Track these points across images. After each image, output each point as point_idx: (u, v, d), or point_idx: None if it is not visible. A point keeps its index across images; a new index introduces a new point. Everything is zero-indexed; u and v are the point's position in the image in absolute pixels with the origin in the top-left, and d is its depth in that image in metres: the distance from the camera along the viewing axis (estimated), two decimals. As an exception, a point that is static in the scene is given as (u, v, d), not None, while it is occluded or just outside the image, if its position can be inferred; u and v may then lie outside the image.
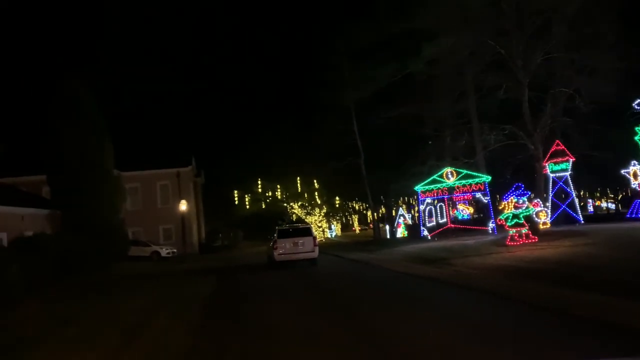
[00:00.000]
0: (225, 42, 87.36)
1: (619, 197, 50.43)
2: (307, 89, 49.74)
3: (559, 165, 27.14)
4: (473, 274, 14.81)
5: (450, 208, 26.66)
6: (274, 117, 65.10)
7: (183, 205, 30.06)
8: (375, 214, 41.16)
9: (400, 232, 39.31)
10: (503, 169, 26.69)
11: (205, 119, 77.70)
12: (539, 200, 23.61)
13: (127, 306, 12.58)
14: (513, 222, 18.15)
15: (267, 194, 46.96)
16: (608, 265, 12.93)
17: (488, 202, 25.03)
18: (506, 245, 18.36)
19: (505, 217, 18.15)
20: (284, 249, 20.14)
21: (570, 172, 26.80)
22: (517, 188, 18.05)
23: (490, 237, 24.14)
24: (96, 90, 28.67)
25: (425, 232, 27.04)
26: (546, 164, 27.22)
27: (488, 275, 14.19)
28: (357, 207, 63.26)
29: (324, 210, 50.32)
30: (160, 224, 43.44)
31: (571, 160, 26.68)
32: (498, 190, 25.63)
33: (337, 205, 50.70)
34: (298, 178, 45.92)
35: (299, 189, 46.18)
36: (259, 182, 46.42)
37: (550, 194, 27.71)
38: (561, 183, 27.33)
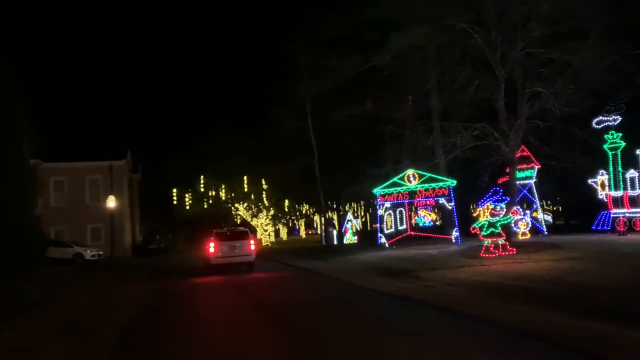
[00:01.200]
0: (174, 27, 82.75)
1: (558, 209, 50.29)
2: (260, 81, 46.44)
3: (523, 172, 25.62)
4: (450, 291, 12.51)
5: (411, 214, 24.51)
6: (222, 112, 61.32)
7: (111, 202, 26.35)
8: (324, 218, 38.54)
9: (348, 238, 37.67)
10: (473, 172, 24.79)
11: (145, 111, 72.91)
12: (518, 207, 21.82)
13: (3, 339, 9.12)
14: (489, 232, 16.07)
15: (210, 194, 43.33)
16: (613, 286, 10.92)
17: (452, 208, 23.05)
18: (479, 257, 16.22)
19: (480, 225, 16.03)
20: (221, 252, 19.48)
21: (535, 179, 25.32)
22: (495, 193, 16.01)
23: (454, 247, 22.16)
24: (24, 74, 25.10)
25: (383, 239, 24.76)
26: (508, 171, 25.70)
27: (468, 294, 11.92)
28: (304, 211, 60.45)
29: (271, 213, 47.26)
30: (89, 223, 39.07)
31: (536, 167, 25.20)
32: (464, 195, 23.76)
33: (286, 208, 47.68)
34: (245, 177, 42.64)
35: (246, 189, 42.89)
36: (202, 180, 42.72)
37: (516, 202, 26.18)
38: (525, 191, 25.84)
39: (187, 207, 42.47)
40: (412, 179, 23.96)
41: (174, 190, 41.90)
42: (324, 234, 37.87)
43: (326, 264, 22.07)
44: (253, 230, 68.69)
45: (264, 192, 42.30)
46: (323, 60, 30.06)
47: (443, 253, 20.72)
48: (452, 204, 23.03)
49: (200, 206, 43.50)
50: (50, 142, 41.87)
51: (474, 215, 16.86)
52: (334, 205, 48.79)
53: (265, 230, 47.83)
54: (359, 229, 40.87)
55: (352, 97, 31.56)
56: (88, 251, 31.42)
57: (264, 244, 46.92)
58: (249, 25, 71.34)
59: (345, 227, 39.85)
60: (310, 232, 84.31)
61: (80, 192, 39.39)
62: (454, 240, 23.00)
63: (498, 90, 20.70)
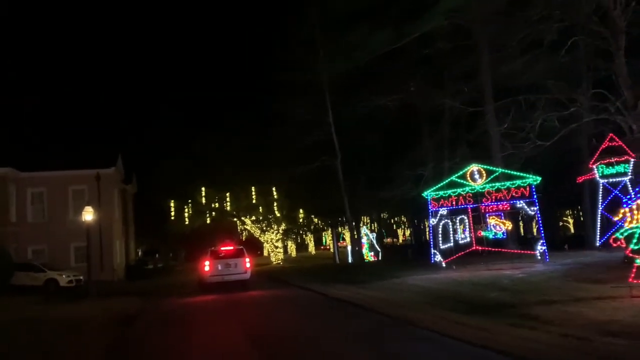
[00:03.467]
0: (168, 17, 77.14)
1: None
2: (266, 72, 40.65)
3: (612, 168, 19.99)
4: (625, 350, 7.03)
5: (477, 223, 18.77)
6: (224, 112, 55.09)
7: (88, 214, 20.81)
8: (355, 230, 32.72)
9: (364, 254, 34.48)
10: (555, 167, 19.23)
11: (138, 114, 66.89)
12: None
13: None
14: (641, 245, 10.37)
15: (213, 206, 37.74)
16: None
17: (536, 214, 17.30)
18: (605, 282, 10.63)
19: (626, 234, 10.37)
20: (216, 270, 19.70)
21: (630, 176, 19.68)
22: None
23: (543, 267, 16.46)
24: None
25: (438, 257, 19.01)
26: (593, 167, 20.10)
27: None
28: (316, 224, 54.25)
29: (283, 227, 41.55)
30: (72, 241, 33.32)
31: (632, 160, 19.56)
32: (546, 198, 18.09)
33: (300, 221, 41.79)
34: (253, 187, 37.07)
35: (254, 200, 37.29)
36: (203, 190, 37.08)
37: (600, 207, 20.56)
38: (616, 192, 20.21)
39: (187, 222, 36.76)
40: (477, 176, 18.28)
41: (171, 202, 36.20)
42: (354, 250, 31.99)
43: (365, 291, 16.40)
44: (259, 246, 63.41)
45: (274, 203, 36.57)
46: (344, 36, 24.71)
47: (535, 275, 15.06)
48: (536, 208, 17.26)
49: (201, 220, 37.90)
50: (29, 148, 36.83)
51: (616, 218, 11.17)
52: (342, 218, 43.30)
53: (276, 247, 42.08)
54: (373, 243, 35.68)
55: (377, 85, 26.25)
56: (64, 276, 25.79)
57: (274, 262, 41.16)
58: (250, 7, 65.19)
59: (362, 242, 35.84)
60: (323, 247, 78.50)
61: (62, 205, 33.81)
62: (538, 257, 17.24)
63: (617, 45, 15.05)
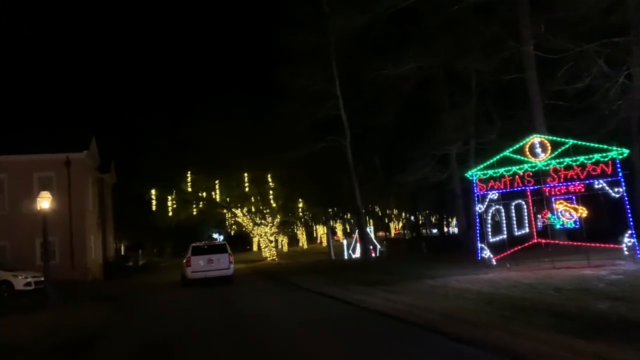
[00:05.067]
0: None
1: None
2: (265, 37, 36.01)
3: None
4: None
5: (538, 209, 14.83)
6: (211, 87, 50.10)
7: (45, 201, 16.63)
8: (362, 221, 28.72)
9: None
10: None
11: (114, 92, 61.15)
12: None
13: None
14: None
15: (200, 195, 33.49)
16: None
17: (623, 196, 13.40)
18: None
19: None
20: (198, 266, 19.73)
21: None
22: None
23: (632, 265, 12.67)
24: None
25: (487, 253, 15.14)
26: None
27: None
28: (309, 216, 49.91)
29: (278, 219, 37.44)
30: (39, 237, 28.99)
31: None
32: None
33: (299, 211, 37.51)
34: (246, 174, 32.88)
35: (246, 188, 33.10)
36: (189, 177, 32.75)
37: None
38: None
39: (170, 213, 32.48)
40: (539, 150, 14.37)
41: (153, 190, 31.86)
42: (366, 246, 28.16)
43: (399, 297, 12.54)
44: (248, 241, 59.17)
45: (270, 192, 32.41)
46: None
47: (633, 276, 11.28)
48: (622, 189, 13.34)
49: (187, 211, 33.65)
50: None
51: None
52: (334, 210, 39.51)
53: (271, 242, 37.99)
54: (372, 238, 32.56)
55: (393, 53, 22.34)
56: (20, 277, 21.52)
57: (269, 259, 37.16)
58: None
59: (357, 237, 34.13)
60: (320, 241, 74.44)
61: (26, 195, 29.16)
62: (626, 252, 13.44)
63: None
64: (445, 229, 65.80)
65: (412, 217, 66.63)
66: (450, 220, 67.30)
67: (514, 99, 21.97)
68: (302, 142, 24.81)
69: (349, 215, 41.19)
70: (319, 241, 76.90)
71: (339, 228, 75.95)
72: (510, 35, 19.71)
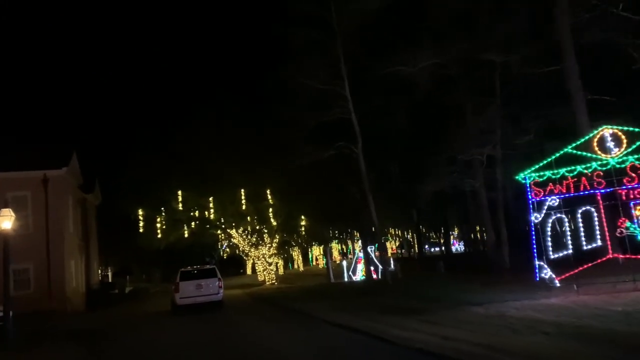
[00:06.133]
0: None
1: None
2: (266, 33, 33.11)
3: None
4: None
5: (614, 217, 12.08)
6: (206, 94, 46.50)
7: (6, 221, 13.76)
8: (378, 238, 25.82)
9: (361, 270, 32.24)
10: None
11: (98, 104, 57.18)
12: None
13: None
14: None
15: (192, 214, 30.58)
16: None
17: None
18: None
19: None
20: (187, 291, 19.17)
21: None
22: None
23: None
24: None
25: (548, 272, 12.28)
26: None
27: None
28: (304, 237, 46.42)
29: (277, 240, 34.51)
30: (12, 263, 25.91)
31: None
32: None
33: (302, 229, 34.46)
34: (242, 190, 30.09)
35: (243, 206, 30.27)
36: (179, 195, 29.83)
37: None
38: None
39: (159, 235, 29.47)
40: (611, 144, 11.77)
41: (140, 210, 28.89)
42: (383, 268, 25.50)
43: (447, 331, 9.85)
44: (241, 264, 55.93)
45: (270, 209, 29.56)
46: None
47: None
48: None
49: (178, 233, 30.67)
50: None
51: None
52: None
53: (270, 264, 35.00)
54: (374, 259, 30.24)
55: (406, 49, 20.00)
56: (-21, 312, 18.39)
57: (268, 283, 34.15)
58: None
59: (359, 257, 33.80)
60: (317, 262, 71.53)
61: (-3, 217, 26.37)
62: None
63: None
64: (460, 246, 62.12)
65: (413, 234, 63.58)
66: (472, 234, 61.28)
67: (543, 98, 19.61)
68: (305, 149, 22.15)
69: (356, 233, 38.46)
70: (315, 262, 74.15)
71: (335, 248, 73.05)
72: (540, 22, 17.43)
